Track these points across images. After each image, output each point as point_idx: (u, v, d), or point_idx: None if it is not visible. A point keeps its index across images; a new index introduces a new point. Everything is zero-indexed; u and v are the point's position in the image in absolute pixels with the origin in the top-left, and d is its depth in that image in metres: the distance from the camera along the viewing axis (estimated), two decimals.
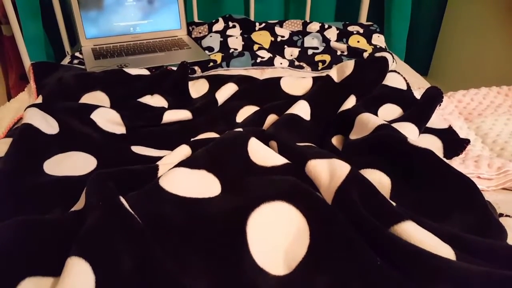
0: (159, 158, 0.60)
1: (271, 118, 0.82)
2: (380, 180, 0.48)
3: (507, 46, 1.24)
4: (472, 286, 0.34)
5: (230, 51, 1.11)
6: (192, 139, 0.70)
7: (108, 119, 0.76)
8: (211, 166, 0.52)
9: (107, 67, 1.01)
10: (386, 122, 0.62)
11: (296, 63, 1.08)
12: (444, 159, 0.66)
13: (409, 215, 0.42)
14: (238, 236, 0.41)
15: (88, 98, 0.84)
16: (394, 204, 0.44)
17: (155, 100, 0.87)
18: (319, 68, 1.07)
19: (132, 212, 0.41)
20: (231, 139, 0.55)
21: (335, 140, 0.72)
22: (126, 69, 0.93)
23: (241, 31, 1.23)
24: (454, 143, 0.74)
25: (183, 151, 0.60)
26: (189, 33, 1.28)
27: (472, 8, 1.36)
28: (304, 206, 0.43)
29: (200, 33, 1.26)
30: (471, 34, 1.38)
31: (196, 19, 1.36)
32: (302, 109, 0.78)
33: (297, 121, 0.74)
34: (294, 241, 0.41)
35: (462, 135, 0.80)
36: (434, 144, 0.74)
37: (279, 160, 0.54)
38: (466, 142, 0.74)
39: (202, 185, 0.48)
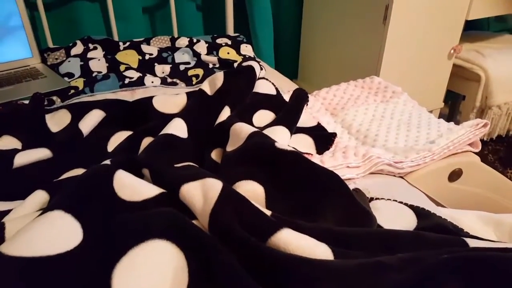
0: (7, 212, 0.50)
1: (147, 141, 0.77)
2: (254, 190, 0.48)
3: (358, 42, 1.39)
4: (348, 282, 0.34)
5: (93, 74, 1.02)
6: (52, 181, 0.61)
7: None
8: (71, 210, 0.45)
9: None
10: (256, 130, 0.62)
11: (169, 80, 1.05)
12: (309, 158, 0.70)
13: (284, 222, 0.42)
14: None
15: None
16: (269, 213, 0.44)
17: (4, 143, 0.74)
18: (194, 83, 1.06)
19: None
20: (92, 177, 0.49)
21: (215, 154, 0.71)
22: None
23: (103, 52, 1.14)
24: (324, 138, 0.79)
25: (38, 198, 0.51)
26: (44, 60, 1.14)
27: (325, 10, 1.50)
28: (180, 240, 0.40)
29: (56, 59, 1.14)
30: (327, 34, 1.52)
31: (50, 45, 1.22)
32: (177, 127, 0.75)
33: (173, 141, 0.71)
34: (172, 283, 0.37)
35: (330, 129, 0.86)
36: (306, 142, 0.77)
37: (151, 191, 0.50)
38: (334, 135, 0.80)
39: (60, 235, 0.41)
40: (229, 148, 0.64)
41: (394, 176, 0.76)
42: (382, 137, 0.84)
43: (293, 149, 0.52)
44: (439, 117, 1.64)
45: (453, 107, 1.87)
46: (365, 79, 1.09)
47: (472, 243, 0.48)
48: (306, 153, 0.73)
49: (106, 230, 0.42)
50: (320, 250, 0.39)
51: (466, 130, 0.82)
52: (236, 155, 0.58)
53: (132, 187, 0.49)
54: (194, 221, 0.44)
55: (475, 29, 1.83)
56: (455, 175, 0.81)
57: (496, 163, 1.58)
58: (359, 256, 0.41)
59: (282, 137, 0.69)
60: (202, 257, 0.38)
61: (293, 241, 0.39)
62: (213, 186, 0.45)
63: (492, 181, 0.86)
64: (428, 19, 1.34)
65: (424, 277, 0.35)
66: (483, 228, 0.70)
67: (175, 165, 0.64)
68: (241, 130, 0.64)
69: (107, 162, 0.58)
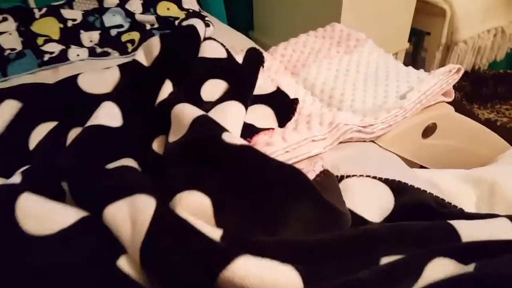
0: None
1: (75, 133, 0.64)
2: (199, 203, 0.38)
3: None
4: None
5: (6, 53, 0.85)
6: None
7: None
8: None
9: None
10: (201, 114, 0.51)
11: (99, 49, 0.89)
12: (270, 134, 0.60)
13: (239, 246, 0.33)
14: None
15: None
16: (220, 233, 0.34)
17: None
18: (129, 50, 0.90)
19: None
20: None
21: (158, 143, 0.59)
22: None
23: (16, 23, 0.95)
24: (284, 106, 0.69)
25: None
26: None
27: None
28: None
29: None
30: None
31: None
32: (107, 114, 0.62)
33: (103, 133, 0.58)
34: None
35: (291, 92, 0.76)
36: (265, 115, 0.67)
37: (69, 217, 0.39)
38: (296, 102, 0.70)
39: None
40: (171, 137, 0.53)
41: (365, 141, 0.68)
42: (349, 97, 0.75)
43: (243, 143, 0.42)
44: (404, 57, 1.56)
45: (416, 44, 1.79)
46: (326, 27, 0.97)
47: (459, 227, 0.41)
48: (267, 129, 0.63)
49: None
50: (284, 279, 0.31)
51: (438, 79, 0.74)
52: (177, 151, 0.47)
53: (41, 215, 0.38)
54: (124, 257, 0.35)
55: None
56: (429, 131, 0.74)
57: (463, 100, 1.55)
58: (333, 274, 0.33)
59: (236, 116, 0.59)
60: None
61: (250, 272, 0.31)
62: (144, 208, 0.35)
63: (467, 131, 0.81)
64: None
65: None
66: (463, 189, 0.65)
67: (107, 167, 0.53)
68: (183, 115, 0.53)
69: (15, 178, 0.46)
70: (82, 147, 0.54)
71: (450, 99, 0.77)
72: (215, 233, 0.34)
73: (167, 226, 0.33)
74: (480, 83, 1.58)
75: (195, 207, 0.37)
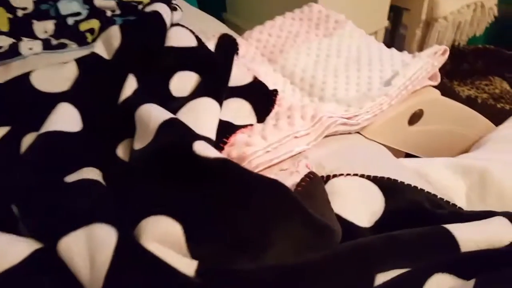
0: None
1: (30, 140, 0.57)
2: (170, 231, 0.32)
3: None
4: None
5: None
6: None
7: None
8: None
9: None
10: (169, 117, 0.45)
11: (54, 41, 0.80)
12: (250, 131, 0.55)
13: (218, 280, 0.28)
14: None
15: None
16: (194, 267, 0.29)
17: None
18: (89, 40, 0.82)
19: None
20: None
21: (123, 149, 0.53)
22: None
23: None
24: (263, 99, 0.64)
25: None
26: None
27: None
28: None
29: None
30: None
31: None
32: (64, 118, 0.55)
33: (60, 141, 0.52)
34: None
35: (270, 82, 0.70)
36: (243, 110, 0.62)
37: (19, 252, 0.33)
38: (274, 94, 0.65)
39: None
40: (137, 144, 0.47)
41: (350, 133, 0.63)
42: (330, 84, 0.70)
43: (218, 156, 0.36)
44: (384, 35, 1.52)
45: (395, 21, 1.75)
46: (303, 8, 0.91)
47: (457, 233, 0.38)
48: (246, 125, 0.58)
49: None
50: None
51: (424, 61, 0.70)
52: (143, 163, 0.41)
53: None
54: None
55: None
56: (415, 117, 0.71)
57: (444, 77, 1.53)
58: None
59: (210, 115, 0.53)
60: None
61: None
62: (103, 242, 0.29)
63: (453, 114, 0.78)
64: None
65: None
66: (453, 179, 0.62)
67: (66, 180, 0.47)
68: (149, 118, 0.47)
69: None
70: (36, 161, 0.48)
71: (436, 83, 0.74)
72: (189, 266, 0.29)
73: (131, 263, 0.28)
74: (459, 59, 1.56)
75: (165, 236, 0.31)
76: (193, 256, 0.31)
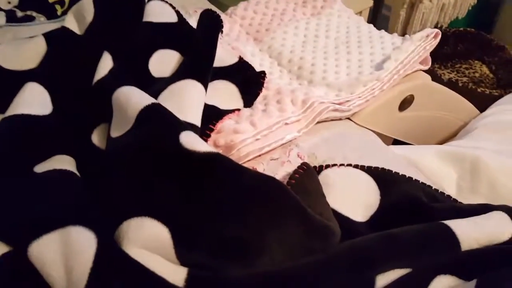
0: None
1: None
2: (156, 236, 0.28)
3: None
4: None
5: None
6: None
7: None
8: None
9: None
10: (150, 103, 0.40)
11: (20, 13, 0.73)
12: (237, 116, 0.52)
13: (202, 286, 0.25)
14: None
15: None
16: (184, 274, 0.26)
17: None
18: (59, 13, 0.75)
19: None
20: None
21: (98, 135, 0.49)
22: None
23: None
24: (250, 81, 0.60)
25: None
26: None
27: None
28: None
29: None
30: None
31: None
32: (32, 100, 0.50)
33: (28, 126, 0.47)
34: None
35: (256, 63, 0.66)
36: (229, 93, 0.58)
37: None
38: (262, 76, 0.61)
39: None
40: (114, 131, 0.43)
41: (341, 119, 0.61)
42: (320, 67, 0.66)
43: (208, 150, 0.32)
44: (368, 15, 1.49)
45: (377, 2, 1.72)
46: None
47: (457, 230, 0.37)
48: (233, 110, 0.54)
49: None
50: None
51: (416, 45, 0.68)
52: (122, 154, 0.37)
53: None
54: None
55: None
56: (406, 103, 0.69)
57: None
58: None
59: (194, 100, 0.49)
60: None
61: None
62: (82, 249, 0.26)
63: (442, 100, 0.77)
64: None
65: None
66: (443, 167, 0.61)
67: (35, 170, 0.42)
68: (128, 103, 0.42)
69: None
70: (0, 148, 0.43)
71: (426, 67, 0.72)
72: (177, 274, 0.26)
73: (113, 274, 0.25)
74: (441, 41, 1.56)
75: (148, 241, 0.28)
76: (182, 263, 0.28)
